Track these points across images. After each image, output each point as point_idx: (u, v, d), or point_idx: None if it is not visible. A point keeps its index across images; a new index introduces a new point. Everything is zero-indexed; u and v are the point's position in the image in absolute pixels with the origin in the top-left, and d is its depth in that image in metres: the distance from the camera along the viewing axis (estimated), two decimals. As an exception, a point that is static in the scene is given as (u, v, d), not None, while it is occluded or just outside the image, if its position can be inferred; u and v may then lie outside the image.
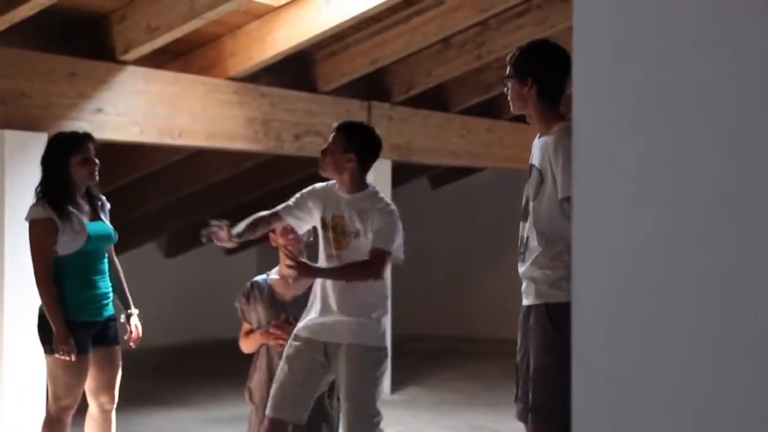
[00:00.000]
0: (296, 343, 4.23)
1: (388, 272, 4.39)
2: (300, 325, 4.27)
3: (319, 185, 4.37)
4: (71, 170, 4.53)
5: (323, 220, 4.27)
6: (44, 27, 5.93)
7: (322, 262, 4.23)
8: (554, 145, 3.53)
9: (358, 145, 4.26)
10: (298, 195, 4.37)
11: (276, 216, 4.36)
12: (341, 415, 4.19)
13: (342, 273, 4.15)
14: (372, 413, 4.11)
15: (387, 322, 4.31)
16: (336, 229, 4.23)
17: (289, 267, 4.14)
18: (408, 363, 9.45)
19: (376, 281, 4.19)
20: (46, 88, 5.70)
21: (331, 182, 4.34)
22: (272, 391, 4.21)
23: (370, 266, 4.13)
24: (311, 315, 4.24)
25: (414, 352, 10.65)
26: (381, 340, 4.21)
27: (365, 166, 4.30)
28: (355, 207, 4.22)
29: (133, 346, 4.78)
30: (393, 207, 4.25)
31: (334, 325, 4.17)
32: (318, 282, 4.24)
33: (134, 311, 4.82)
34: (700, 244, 1.42)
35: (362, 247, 4.17)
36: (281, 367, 4.23)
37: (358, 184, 4.27)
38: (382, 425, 4.16)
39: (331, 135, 4.31)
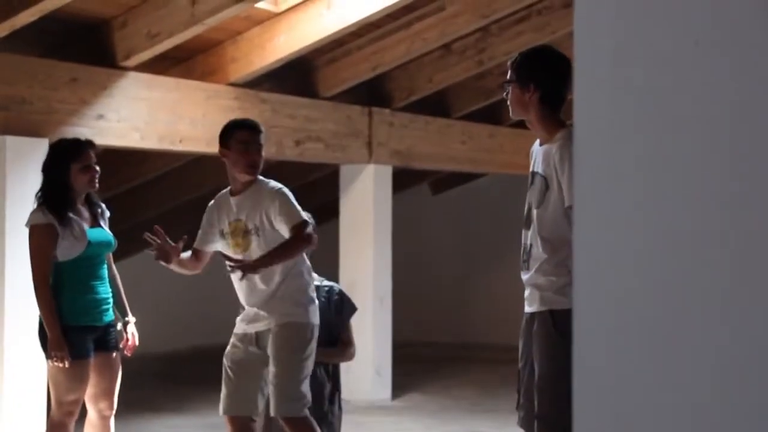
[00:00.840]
0: (233, 340, 4.36)
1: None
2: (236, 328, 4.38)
3: (211, 202, 4.50)
4: (72, 177, 4.53)
5: (221, 231, 4.39)
6: (45, 33, 5.93)
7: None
8: (560, 153, 3.51)
9: (222, 141, 4.35)
10: (203, 221, 4.49)
11: (197, 252, 4.52)
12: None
13: (280, 254, 4.19)
14: (295, 396, 4.16)
15: (313, 303, 4.30)
16: (234, 234, 4.32)
17: (231, 269, 4.22)
18: (408, 369, 9.44)
19: (287, 267, 4.22)
20: (47, 94, 5.70)
21: (222, 192, 4.46)
22: (221, 393, 4.34)
23: (299, 238, 4.16)
24: (239, 316, 4.37)
25: (414, 358, 10.64)
26: (305, 317, 4.23)
27: (233, 156, 4.33)
28: (246, 204, 4.29)
29: (128, 354, 4.77)
30: (276, 187, 4.29)
31: (261, 314, 4.27)
32: (234, 283, 4.34)
33: (131, 319, 4.81)
34: (702, 248, 1.41)
35: (266, 239, 4.22)
36: (223, 368, 4.36)
37: (242, 183, 4.34)
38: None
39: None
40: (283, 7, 6.50)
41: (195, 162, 8.60)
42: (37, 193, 4.58)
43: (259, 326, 4.29)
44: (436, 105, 9.09)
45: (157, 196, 9.38)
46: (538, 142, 3.74)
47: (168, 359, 10.72)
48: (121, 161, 7.75)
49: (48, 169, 4.61)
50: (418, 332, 11.80)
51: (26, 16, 5.23)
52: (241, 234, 4.30)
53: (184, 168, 8.66)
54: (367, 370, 8.09)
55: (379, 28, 7.23)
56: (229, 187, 4.41)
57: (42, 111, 5.68)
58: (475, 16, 7.03)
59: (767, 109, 1.36)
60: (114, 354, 4.68)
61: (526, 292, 3.67)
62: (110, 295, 4.69)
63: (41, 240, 4.47)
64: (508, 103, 3.74)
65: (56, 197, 4.51)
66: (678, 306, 1.42)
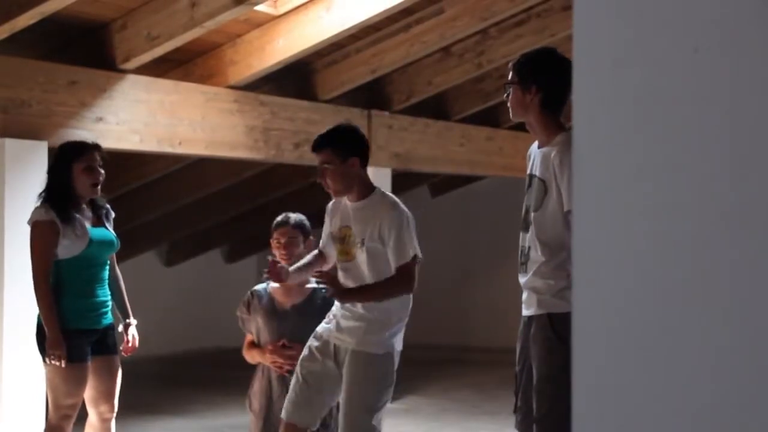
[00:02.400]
0: (314, 344, 4.14)
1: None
2: (323, 323, 4.18)
3: (330, 204, 4.27)
4: (74, 177, 4.53)
5: (332, 234, 4.19)
6: (45, 36, 5.94)
7: (339, 275, 4.14)
8: (559, 157, 3.50)
9: (352, 146, 4.12)
10: (324, 227, 4.28)
11: (320, 254, 4.29)
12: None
13: (373, 293, 4.02)
14: (367, 428, 3.99)
15: (401, 330, 4.15)
16: (344, 241, 4.12)
17: (320, 283, 4.10)
18: (408, 372, 9.41)
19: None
20: (47, 97, 5.71)
21: None
22: (287, 395, 4.17)
23: (399, 283, 3.99)
24: (333, 310, 4.17)
25: (413, 360, 10.62)
26: (387, 346, 4.06)
27: (366, 163, 4.16)
28: (359, 215, 4.09)
29: (125, 355, 4.77)
30: (399, 209, 4.07)
31: (344, 328, 4.07)
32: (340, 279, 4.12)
33: (133, 321, 4.80)
34: (701, 252, 1.41)
35: (372, 256, 4.03)
36: (296, 369, 4.16)
37: (365, 189, 4.13)
38: None
39: (318, 155, 4.12)
40: (282, 10, 6.50)
41: (194, 164, 8.60)
42: (40, 192, 4.58)
43: (341, 341, 4.07)
44: (435, 107, 9.10)
45: (157, 199, 9.39)
46: (536, 144, 3.73)
47: (168, 361, 10.72)
48: (121, 164, 7.75)
49: (52, 168, 4.64)
50: (417, 334, 11.78)
51: (26, 19, 5.24)
52: (349, 242, 4.10)
53: (183, 170, 8.67)
54: (366, 372, 8.08)
55: (378, 30, 7.24)
56: None
57: (41, 114, 5.68)
58: (474, 18, 7.03)
59: (767, 115, 1.36)
60: (113, 357, 4.68)
61: (524, 296, 3.67)
62: (109, 298, 4.68)
63: (43, 236, 4.46)
64: (509, 104, 3.73)
65: (58, 195, 4.51)
66: (677, 309, 1.42)
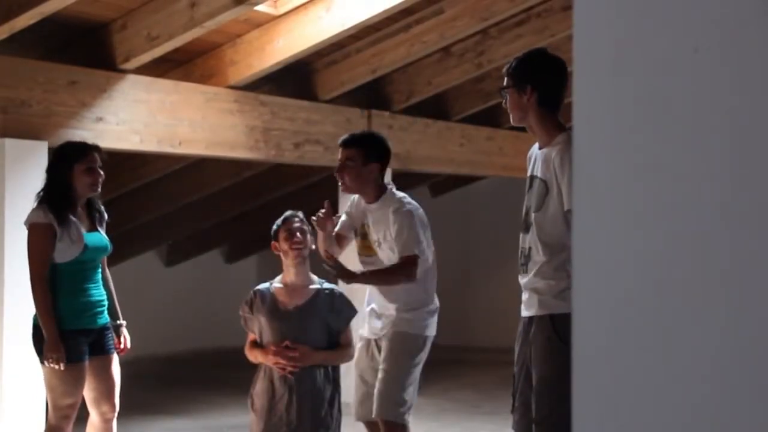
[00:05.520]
0: (359, 344, 4.53)
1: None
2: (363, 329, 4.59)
3: (356, 196, 4.60)
4: (74, 178, 4.54)
5: (355, 229, 4.58)
6: (45, 36, 5.94)
7: (357, 264, 4.51)
8: (560, 157, 3.51)
9: (377, 153, 4.45)
10: (345, 210, 4.65)
11: (339, 237, 4.60)
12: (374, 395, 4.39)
13: (376, 278, 4.42)
14: (398, 401, 4.33)
15: (431, 317, 4.63)
16: (365, 237, 4.51)
17: (330, 267, 4.32)
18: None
19: (411, 284, 4.41)
20: (47, 97, 5.71)
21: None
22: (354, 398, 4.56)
23: (400, 270, 4.35)
24: (368, 317, 4.56)
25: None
26: (420, 328, 4.48)
27: (384, 172, 4.53)
28: (373, 216, 4.46)
29: (117, 355, 4.78)
30: (407, 207, 4.39)
31: (382, 324, 4.48)
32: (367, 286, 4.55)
33: (123, 322, 4.82)
34: (701, 252, 1.41)
35: (388, 255, 4.41)
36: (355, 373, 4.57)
37: (378, 192, 4.48)
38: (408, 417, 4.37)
39: (341, 153, 4.45)
40: (282, 10, 6.50)
41: (194, 165, 8.60)
42: (39, 192, 4.58)
43: (378, 329, 4.49)
44: (435, 107, 9.10)
45: (157, 199, 9.39)
46: (536, 145, 3.74)
47: (168, 361, 10.72)
48: (121, 164, 7.76)
49: (51, 168, 4.63)
50: (417, 335, 11.78)
51: (26, 19, 5.24)
52: (369, 240, 4.51)
53: (183, 170, 8.67)
54: (366, 372, 8.09)
55: (378, 30, 7.23)
56: None
57: (41, 114, 5.68)
58: (474, 19, 7.03)
59: (767, 116, 1.36)
60: (111, 356, 4.68)
61: (524, 296, 3.66)
62: (105, 297, 4.69)
63: (40, 239, 4.47)
64: (508, 109, 3.74)
65: (58, 197, 4.51)
66: (678, 309, 1.42)
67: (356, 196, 4.56)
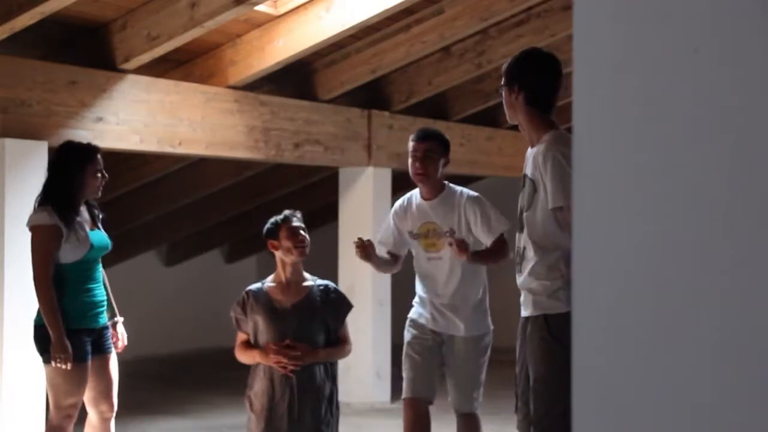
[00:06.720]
0: (414, 331, 4.79)
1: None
2: (414, 314, 4.81)
3: (394, 208, 4.88)
4: (85, 180, 4.54)
5: (410, 233, 4.77)
6: (45, 36, 5.94)
7: (421, 266, 4.73)
8: (543, 155, 3.52)
9: (448, 149, 4.77)
10: (386, 226, 4.89)
11: (393, 256, 4.86)
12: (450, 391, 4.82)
13: (488, 258, 4.61)
14: (475, 396, 4.86)
15: (487, 310, 4.81)
16: (428, 235, 4.71)
17: (451, 243, 4.49)
18: (408, 372, 9.42)
19: (478, 276, 4.71)
20: (47, 97, 5.71)
21: (404, 198, 4.83)
22: (405, 377, 4.82)
23: (503, 250, 4.60)
24: (424, 305, 4.75)
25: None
26: (487, 326, 4.76)
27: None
28: (437, 210, 4.68)
29: (115, 353, 4.79)
30: (475, 193, 4.74)
31: (448, 321, 4.71)
32: (422, 276, 4.74)
33: (119, 319, 4.83)
34: (700, 251, 1.41)
35: (468, 237, 4.59)
36: (406, 353, 4.80)
37: (441, 186, 4.73)
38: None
39: (420, 145, 4.68)
40: (282, 10, 6.50)
41: (194, 164, 8.60)
42: (40, 194, 4.56)
43: (443, 325, 4.72)
44: (435, 107, 9.09)
45: (157, 199, 9.39)
46: (529, 144, 3.75)
47: (168, 361, 10.72)
48: (121, 164, 7.76)
49: (61, 168, 4.56)
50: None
51: (26, 19, 5.24)
52: (434, 235, 4.70)
53: (183, 170, 8.67)
54: (366, 372, 8.09)
55: (378, 30, 7.23)
56: (411, 193, 4.84)
57: (41, 113, 5.68)
58: (474, 18, 7.03)
59: (766, 117, 1.36)
60: (110, 356, 4.69)
61: (522, 296, 3.68)
62: (105, 297, 4.69)
63: (45, 240, 4.45)
64: (504, 107, 3.78)
65: (65, 198, 4.50)
66: (677, 308, 1.42)
67: (397, 206, 4.82)
